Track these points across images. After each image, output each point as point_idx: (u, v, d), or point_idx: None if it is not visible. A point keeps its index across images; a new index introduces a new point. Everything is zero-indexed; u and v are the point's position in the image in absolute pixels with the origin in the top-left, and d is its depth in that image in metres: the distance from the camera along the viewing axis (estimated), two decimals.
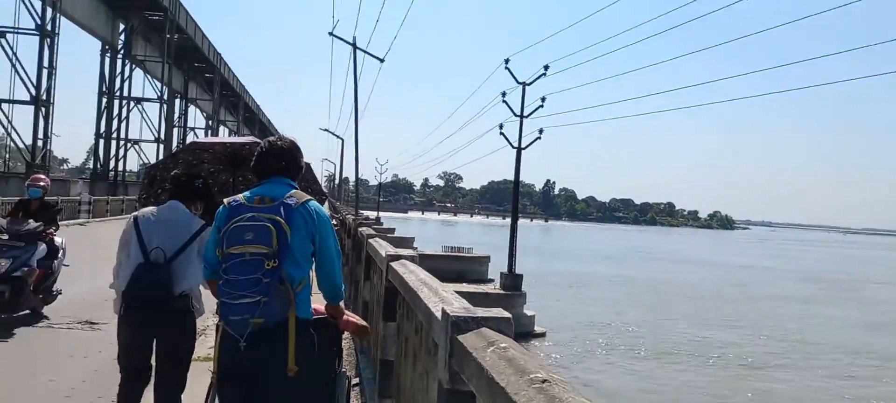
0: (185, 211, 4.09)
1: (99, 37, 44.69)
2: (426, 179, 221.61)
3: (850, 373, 23.11)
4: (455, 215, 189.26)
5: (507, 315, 2.22)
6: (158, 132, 52.79)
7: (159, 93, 52.18)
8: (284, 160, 3.20)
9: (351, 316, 3.55)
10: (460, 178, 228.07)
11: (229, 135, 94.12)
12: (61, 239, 9.05)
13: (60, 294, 8.94)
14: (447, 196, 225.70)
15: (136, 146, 53.63)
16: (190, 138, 70.85)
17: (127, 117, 49.97)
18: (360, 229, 9.83)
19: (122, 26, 46.93)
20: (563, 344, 24.98)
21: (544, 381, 1.55)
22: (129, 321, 3.94)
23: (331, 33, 29.03)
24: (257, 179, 3.20)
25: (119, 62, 47.07)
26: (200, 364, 6.35)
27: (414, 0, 23.06)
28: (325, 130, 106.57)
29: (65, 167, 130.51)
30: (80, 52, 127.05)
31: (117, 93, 47.56)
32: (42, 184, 8.62)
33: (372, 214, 50.72)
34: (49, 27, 32.80)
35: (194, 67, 64.95)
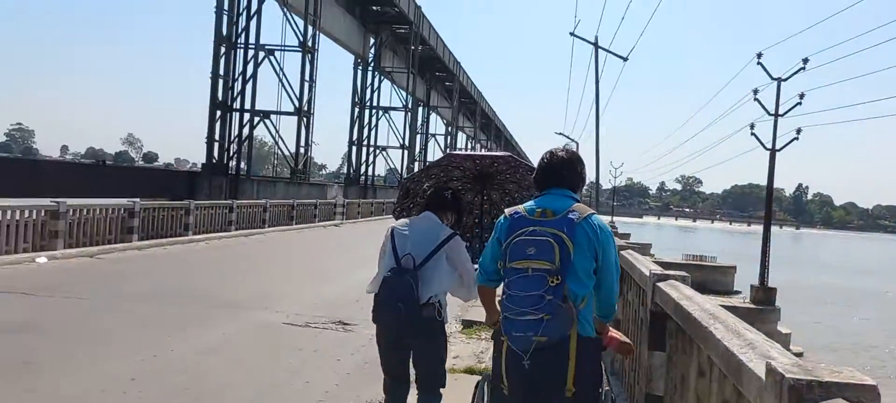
0: (436, 220, 4.22)
1: (352, 51, 48.46)
2: (662, 183, 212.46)
3: None
4: (694, 221, 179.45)
5: (869, 382, 1.62)
6: (403, 138, 55.98)
7: (404, 102, 55.38)
8: (566, 171, 3.14)
9: (615, 333, 3.34)
10: (700, 182, 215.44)
11: (467, 141, 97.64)
12: None
13: None
14: (684, 200, 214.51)
15: (384, 152, 57.32)
16: (430, 144, 74.52)
17: (376, 125, 53.61)
18: None
19: (371, 40, 50.47)
20: None
21: None
22: (380, 323, 4.08)
23: (572, 33, 28.60)
24: (538, 191, 3.15)
25: (369, 74, 50.72)
26: (459, 374, 6.33)
27: None
28: (560, 134, 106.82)
29: (323, 172, 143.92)
30: (335, 66, 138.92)
31: (367, 103, 51.20)
32: None
33: (606, 219, 49.41)
34: (310, 44, 36.03)
35: (435, 76, 68.11)
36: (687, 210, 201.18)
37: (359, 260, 15.79)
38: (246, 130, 35.36)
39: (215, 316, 8.67)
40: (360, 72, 50.41)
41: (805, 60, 27.29)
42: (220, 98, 34.47)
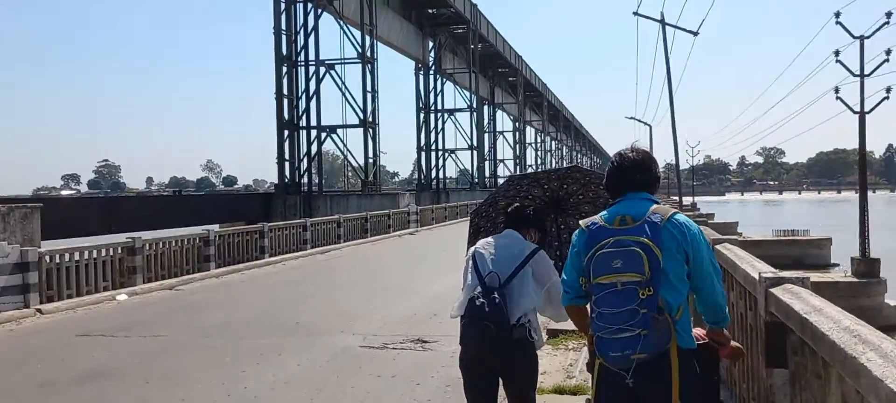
0: (518, 237, 4.01)
1: (412, 56, 48.47)
2: (743, 158, 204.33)
3: None
4: (780, 193, 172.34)
5: None
6: (470, 139, 55.64)
7: (469, 102, 55.04)
8: (639, 172, 2.92)
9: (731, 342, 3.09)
10: (782, 153, 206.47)
11: (536, 135, 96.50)
12: None
13: None
14: (768, 173, 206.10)
15: (453, 154, 57.13)
16: (499, 142, 73.88)
17: (443, 128, 53.48)
18: None
19: (430, 43, 50.35)
20: None
21: None
22: (466, 345, 3.83)
23: (635, 12, 27.62)
24: (611, 197, 2.95)
25: (431, 78, 50.60)
26: (548, 395, 5.84)
27: None
28: (632, 118, 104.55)
29: (395, 180, 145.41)
30: (397, 73, 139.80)
31: (432, 107, 51.09)
32: None
33: (687, 200, 47.77)
34: (368, 54, 36.08)
35: (498, 73, 67.54)
36: (771, 183, 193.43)
37: (434, 270, 15.50)
38: (314, 147, 35.72)
39: (290, 345, 8.43)
40: (421, 77, 50.43)
41: (888, 14, 25.64)
42: (287, 117, 34.94)
